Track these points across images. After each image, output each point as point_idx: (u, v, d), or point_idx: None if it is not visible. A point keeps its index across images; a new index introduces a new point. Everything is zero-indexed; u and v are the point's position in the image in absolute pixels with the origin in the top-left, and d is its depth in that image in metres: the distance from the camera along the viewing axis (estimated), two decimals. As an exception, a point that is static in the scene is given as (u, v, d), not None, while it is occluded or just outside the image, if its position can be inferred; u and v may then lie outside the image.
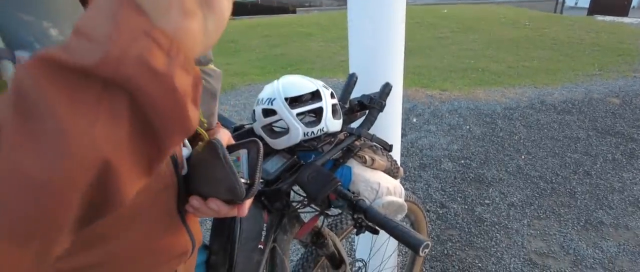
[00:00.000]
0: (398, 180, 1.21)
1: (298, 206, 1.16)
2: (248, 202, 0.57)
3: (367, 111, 1.27)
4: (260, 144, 0.60)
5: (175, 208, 0.53)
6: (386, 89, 1.23)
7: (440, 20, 7.84)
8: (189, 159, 0.56)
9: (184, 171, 0.55)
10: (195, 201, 0.54)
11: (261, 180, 1.11)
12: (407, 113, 3.53)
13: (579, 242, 2.22)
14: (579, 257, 2.11)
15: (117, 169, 0.26)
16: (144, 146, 0.27)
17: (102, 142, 0.24)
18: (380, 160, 1.14)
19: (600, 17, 9.31)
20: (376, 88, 1.30)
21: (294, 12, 21.62)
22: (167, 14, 0.26)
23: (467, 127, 3.36)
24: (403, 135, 3.22)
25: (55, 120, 0.23)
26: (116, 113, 0.25)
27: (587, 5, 15.77)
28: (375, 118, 1.22)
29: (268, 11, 26.15)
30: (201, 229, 0.65)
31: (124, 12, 0.24)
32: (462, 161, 2.94)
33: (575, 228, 2.32)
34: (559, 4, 16.39)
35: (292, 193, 1.13)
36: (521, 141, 3.19)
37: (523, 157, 3.00)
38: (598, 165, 2.90)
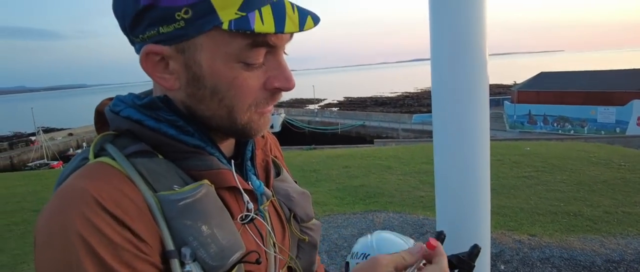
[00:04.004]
0: None
1: None
2: None
3: (456, 270, 1.31)
4: None
5: None
6: (475, 250, 1.27)
7: (523, 158, 7.69)
8: None
9: None
10: None
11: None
12: (494, 259, 3.36)
13: None
14: None
15: None
16: None
17: None
18: (472, 323, 1.14)
19: None
20: (463, 239, 1.36)
21: (371, 142, 22.62)
22: None
23: (563, 280, 3.08)
24: (490, 283, 3.04)
25: None
26: None
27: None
28: (465, 279, 1.25)
29: (347, 140, 27.69)
30: None
31: None
32: (561, 321, 2.65)
33: None
34: (659, 140, 15.14)
35: None
36: (631, 302, 2.83)
37: (636, 323, 2.63)
38: None
